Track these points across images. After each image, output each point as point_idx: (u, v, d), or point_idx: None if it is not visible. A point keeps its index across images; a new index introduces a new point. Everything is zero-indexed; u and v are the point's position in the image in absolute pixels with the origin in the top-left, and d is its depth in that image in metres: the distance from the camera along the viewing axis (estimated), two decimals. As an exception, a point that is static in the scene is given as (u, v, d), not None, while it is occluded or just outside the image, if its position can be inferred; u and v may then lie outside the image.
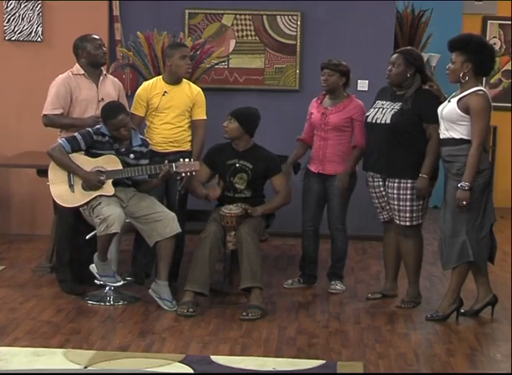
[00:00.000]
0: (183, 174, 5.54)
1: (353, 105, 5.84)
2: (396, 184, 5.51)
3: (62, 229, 5.81)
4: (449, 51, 5.28)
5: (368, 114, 5.62)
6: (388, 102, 5.54)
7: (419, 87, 5.46)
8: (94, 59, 5.80)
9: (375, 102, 5.66)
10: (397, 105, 5.47)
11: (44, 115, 5.82)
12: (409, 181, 5.46)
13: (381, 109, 5.54)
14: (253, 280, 5.41)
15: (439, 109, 5.27)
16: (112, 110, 5.47)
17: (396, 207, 5.53)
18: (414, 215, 5.51)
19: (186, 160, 5.51)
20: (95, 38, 5.82)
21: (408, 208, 5.49)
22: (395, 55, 5.54)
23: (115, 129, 5.44)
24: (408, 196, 5.48)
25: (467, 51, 5.16)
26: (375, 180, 5.63)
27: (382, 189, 5.61)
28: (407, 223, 5.53)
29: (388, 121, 5.45)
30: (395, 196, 5.52)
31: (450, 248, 5.25)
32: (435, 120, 5.31)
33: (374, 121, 5.53)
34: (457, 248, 5.22)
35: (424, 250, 5.74)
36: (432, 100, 5.36)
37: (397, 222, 5.57)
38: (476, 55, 5.15)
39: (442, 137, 5.26)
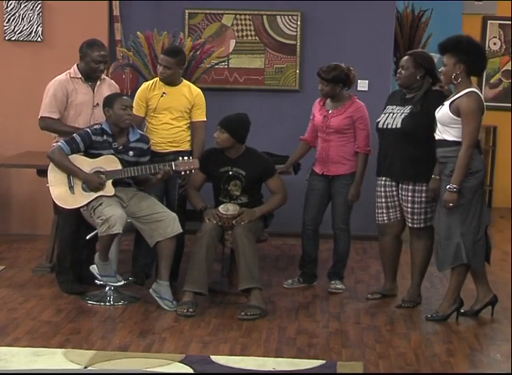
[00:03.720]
0: (183, 173, 5.55)
1: (354, 108, 5.84)
2: (410, 187, 5.49)
3: (64, 233, 5.80)
4: (440, 54, 5.29)
5: (378, 120, 5.61)
6: (398, 107, 5.54)
7: (429, 89, 5.46)
8: (89, 72, 5.77)
9: (385, 107, 5.65)
10: (407, 109, 5.47)
11: (41, 117, 5.80)
12: (424, 184, 5.45)
13: (391, 114, 5.54)
14: (251, 280, 5.41)
15: (436, 112, 5.27)
16: (122, 93, 5.58)
17: (409, 210, 5.52)
18: (428, 216, 5.51)
19: (185, 158, 5.51)
20: (100, 51, 5.72)
21: (423, 210, 5.49)
22: (405, 58, 5.54)
23: (125, 107, 5.44)
24: (423, 199, 5.47)
25: (458, 53, 5.17)
26: (388, 179, 5.61)
27: (393, 189, 5.58)
28: (422, 225, 5.52)
29: (399, 125, 5.45)
30: (409, 199, 5.50)
31: (445, 249, 5.26)
32: None
33: (385, 126, 5.52)
34: (452, 250, 5.22)
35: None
36: (441, 101, 5.33)
37: (409, 224, 5.56)
38: (467, 56, 5.16)
39: (436, 138, 5.27)
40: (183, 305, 5.36)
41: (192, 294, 5.41)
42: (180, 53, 5.88)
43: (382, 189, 5.66)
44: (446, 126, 5.18)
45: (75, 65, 5.84)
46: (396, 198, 5.60)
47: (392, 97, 5.71)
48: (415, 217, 5.53)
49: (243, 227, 5.49)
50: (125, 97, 5.59)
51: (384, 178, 5.64)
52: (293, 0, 7.40)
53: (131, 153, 5.55)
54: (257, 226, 5.65)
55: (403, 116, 5.46)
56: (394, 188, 5.60)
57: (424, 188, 5.46)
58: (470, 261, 5.22)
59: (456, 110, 5.13)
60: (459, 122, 5.13)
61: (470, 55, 5.16)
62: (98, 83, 5.85)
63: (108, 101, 5.53)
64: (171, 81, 5.79)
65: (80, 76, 5.79)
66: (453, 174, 5.10)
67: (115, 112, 5.47)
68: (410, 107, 5.46)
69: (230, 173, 5.69)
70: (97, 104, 5.77)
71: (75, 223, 5.70)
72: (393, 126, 5.48)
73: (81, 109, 5.78)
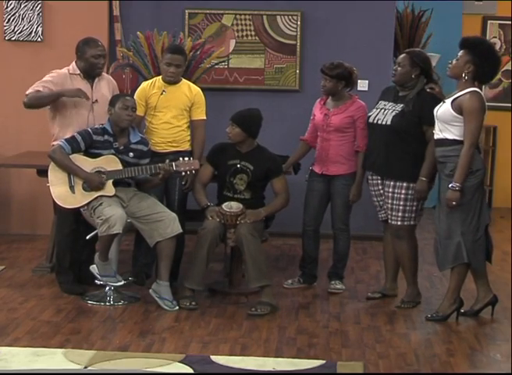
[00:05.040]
0: (183, 173, 5.56)
1: (355, 107, 5.84)
2: (392, 183, 5.52)
3: (62, 233, 5.80)
4: (458, 47, 5.28)
5: (370, 114, 5.64)
6: (390, 103, 5.55)
7: (422, 89, 5.46)
8: (90, 68, 5.77)
9: (378, 102, 5.66)
10: (399, 107, 5.48)
11: (25, 95, 5.73)
12: (405, 183, 5.47)
13: (383, 110, 5.55)
14: (260, 279, 5.45)
15: (435, 110, 5.28)
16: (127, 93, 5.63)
17: (389, 206, 5.55)
18: (407, 215, 5.52)
19: (186, 159, 5.52)
20: (97, 46, 5.75)
21: (401, 207, 5.50)
22: (402, 56, 5.56)
23: (127, 107, 5.46)
24: (402, 195, 5.49)
25: (473, 53, 5.16)
26: (374, 178, 5.66)
27: (380, 187, 5.63)
28: (399, 223, 5.54)
29: (389, 122, 5.46)
30: (389, 195, 5.53)
31: (445, 249, 5.26)
32: (434, 123, 5.31)
33: (375, 122, 5.55)
34: (452, 250, 5.22)
35: (424, 250, 5.75)
36: (433, 102, 5.35)
37: (390, 221, 5.59)
38: (481, 60, 5.15)
39: (435, 137, 5.27)
40: (186, 299, 5.43)
41: (191, 290, 5.49)
42: (184, 50, 5.96)
43: (372, 188, 5.70)
44: (447, 124, 5.18)
45: (73, 62, 5.84)
46: (383, 197, 5.63)
47: (386, 92, 5.71)
48: (393, 213, 5.54)
49: (247, 226, 5.50)
50: (128, 97, 5.59)
51: (370, 177, 5.68)
52: (293, 0, 7.40)
53: (131, 154, 5.56)
54: (259, 226, 5.66)
55: (394, 114, 5.48)
56: (380, 187, 5.63)
57: (404, 185, 5.47)
58: (470, 260, 5.23)
59: (458, 108, 5.13)
60: (460, 120, 5.13)
61: (484, 61, 5.15)
62: (97, 79, 5.85)
63: (112, 100, 5.56)
64: (178, 79, 5.80)
65: (78, 72, 5.79)
66: (456, 173, 5.11)
67: (116, 111, 5.49)
68: (402, 105, 5.47)
69: (238, 166, 5.71)
70: (96, 100, 5.77)
71: (72, 223, 5.70)
72: (383, 123, 5.49)
73: (80, 106, 5.76)
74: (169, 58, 5.72)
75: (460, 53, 5.22)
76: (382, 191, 5.63)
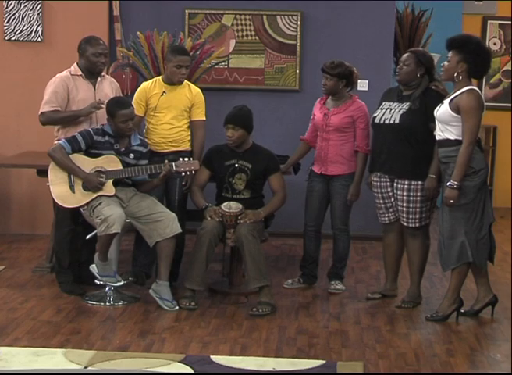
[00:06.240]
0: (183, 173, 5.56)
1: (355, 107, 5.84)
2: (406, 186, 5.49)
3: (61, 232, 5.80)
4: (446, 49, 5.29)
5: (375, 115, 5.60)
6: (395, 103, 5.53)
7: (427, 87, 5.46)
8: (91, 66, 5.77)
9: (381, 103, 5.65)
10: (405, 105, 5.46)
11: (41, 113, 5.80)
12: (419, 183, 5.44)
13: (389, 110, 5.53)
14: (260, 279, 5.46)
15: (434, 111, 5.27)
16: (124, 101, 5.56)
17: (404, 209, 5.51)
18: (423, 216, 5.51)
19: (186, 159, 5.52)
20: (99, 45, 5.76)
21: (418, 209, 5.48)
22: (406, 54, 5.54)
23: (125, 121, 5.43)
24: (418, 198, 5.46)
25: (463, 52, 5.17)
26: (382, 180, 5.61)
27: (389, 189, 5.59)
28: (417, 225, 5.52)
29: (397, 121, 5.44)
30: (404, 198, 5.50)
31: (449, 249, 5.25)
32: None
33: (382, 122, 5.51)
34: (456, 249, 5.22)
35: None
36: (439, 100, 5.34)
37: (405, 224, 5.55)
38: (472, 57, 5.15)
39: (437, 138, 5.26)
40: (185, 299, 5.45)
41: (191, 290, 5.50)
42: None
43: (378, 190, 5.65)
44: (447, 124, 5.18)
45: (75, 63, 5.85)
46: (392, 199, 5.60)
47: (389, 93, 5.69)
48: (410, 216, 5.52)
49: (247, 226, 5.51)
50: (126, 111, 5.46)
51: (378, 179, 5.63)
52: (293, 0, 7.40)
53: (132, 155, 5.56)
54: (259, 226, 5.66)
55: (401, 112, 5.46)
56: (389, 189, 5.60)
57: (419, 187, 5.45)
58: (474, 259, 5.22)
59: (456, 108, 5.13)
60: (459, 119, 5.13)
61: (475, 57, 5.15)
62: (99, 79, 5.85)
63: (110, 112, 5.49)
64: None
65: (80, 73, 5.79)
66: (454, 171, 5.10)
67: (117, 125, 5.46)
68: (408, 104, 5.46)
69: (236, 165, 5.71)
70: (99, 100, 5.77)
71: (71, 222, 5.71)
72: (391, 122, 5.47)
73: (83, 106, 5.76)
74: (180, 61, 5.72)
75: (450, 54, 5.22)
76: (391, 194, 5.59)
